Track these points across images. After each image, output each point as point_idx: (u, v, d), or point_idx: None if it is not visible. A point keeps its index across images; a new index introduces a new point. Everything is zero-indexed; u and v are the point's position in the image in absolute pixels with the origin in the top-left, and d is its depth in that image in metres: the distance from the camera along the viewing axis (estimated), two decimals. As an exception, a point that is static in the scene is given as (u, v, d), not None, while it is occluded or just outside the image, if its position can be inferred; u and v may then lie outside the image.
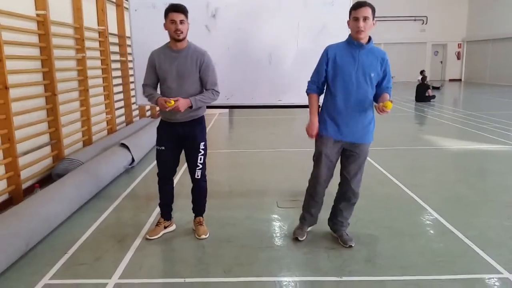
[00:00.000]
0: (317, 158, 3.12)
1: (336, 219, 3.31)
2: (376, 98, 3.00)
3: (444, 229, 3.50)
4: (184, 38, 3.09)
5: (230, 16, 4.08)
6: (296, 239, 3.27)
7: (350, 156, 3.06)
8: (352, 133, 2.99)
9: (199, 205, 3.52)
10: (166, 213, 3.52)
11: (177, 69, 3.12)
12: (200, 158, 3.32)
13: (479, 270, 2.82)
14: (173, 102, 2.98)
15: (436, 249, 3.14)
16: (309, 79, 3.11)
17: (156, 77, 3.21)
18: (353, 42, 2.90)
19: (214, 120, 10.02)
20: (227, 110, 10.81)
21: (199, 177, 3.37)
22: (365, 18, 2.79)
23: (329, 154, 3.06)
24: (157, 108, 4.76)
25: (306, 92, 3.12)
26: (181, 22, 3.02)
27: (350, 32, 2.93)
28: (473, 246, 3.16)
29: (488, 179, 5.09)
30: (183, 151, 3.39)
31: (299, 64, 4.06)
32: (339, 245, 3.20)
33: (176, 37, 3.05)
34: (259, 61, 4.17)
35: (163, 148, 3.30)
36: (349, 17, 2.90)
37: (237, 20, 4.09)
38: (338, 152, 3.09)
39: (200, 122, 3.31)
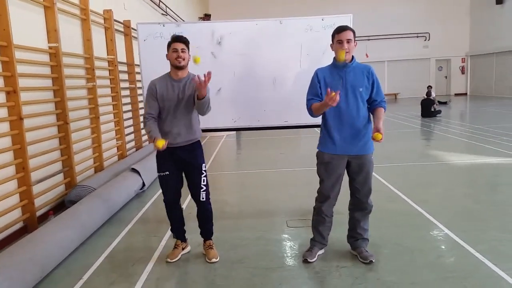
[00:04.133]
0: (319, 174, 3.26)
1: (355, 232, 3.33)
2: (372, 110, 3.17)
3: (454, 244, 3.51)
4: (184, 66, 3.22)
5: (234, 43, 4.23)
6: (305, 261, 3.27)
7: (355, 168, 3.17)
8: (351, 147, 3.12)
9: (207, 229, 3.55)
10: (181, 236, 3.57)
11: (179, 97, 3.23)
12: (203, 180, 3.39)
13: (492, 285, 2.81)
14: (163, 143, 3.05)
15: (447, 265, 3.15)
16: (307, 97, 3.20)
17: (158, 105, 3.28)
18: (338, 64, 3.09)
19: (222, 142, 10.13)
20: (234, 132, 10.94)
21: (204, 199, 3.42)
22: (348, 41, 3.01)
23: (330, 169, 3.18)
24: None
25: (308, 108, 3.18)
26: (182, 50, 3.17)
27: (334, 55, 3.12)
28: (485, 260, 3.16)
29: (497, 193, 5.08)
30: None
31: (302, 86, 4.14)
32: (350, 263, 3.22)
33: (177, 64, 3.18)
34: (264, 84, 4.31)
35: (167, 173, 3.36)
36: (333, 41, 3.09)
37: (241, 46, 4.24)
38: (341, 166, 3.17)
39: (199, 145, 3.42)
